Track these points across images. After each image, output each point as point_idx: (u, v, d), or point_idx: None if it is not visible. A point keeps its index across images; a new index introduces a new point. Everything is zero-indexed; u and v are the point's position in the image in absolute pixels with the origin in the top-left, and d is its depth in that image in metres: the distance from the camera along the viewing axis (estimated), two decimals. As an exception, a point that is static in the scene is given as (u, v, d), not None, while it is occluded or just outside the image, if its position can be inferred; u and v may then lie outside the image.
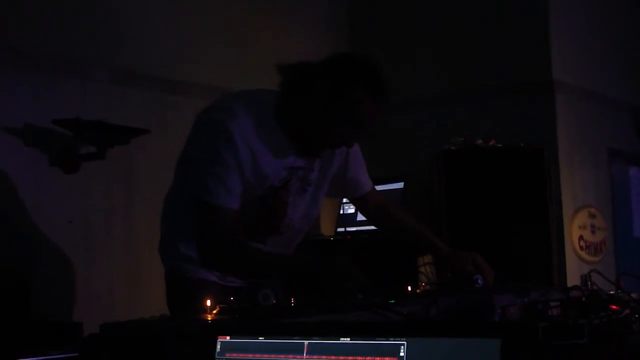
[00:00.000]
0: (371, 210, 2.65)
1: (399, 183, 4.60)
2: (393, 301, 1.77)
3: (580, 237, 4.97)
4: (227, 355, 1.19)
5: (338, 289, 1.97)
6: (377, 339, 1.05)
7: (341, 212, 4.76)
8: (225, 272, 2.27)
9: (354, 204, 2.74)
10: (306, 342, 1.11)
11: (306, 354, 1.10)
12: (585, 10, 5.35)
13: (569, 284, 3.54)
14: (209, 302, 1.74)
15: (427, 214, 4.38)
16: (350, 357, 1.07)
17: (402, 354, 1.03)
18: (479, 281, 2.24)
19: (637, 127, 5.80)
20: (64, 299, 3.76)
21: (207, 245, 2.16)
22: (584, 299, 1.86)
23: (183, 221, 2.31)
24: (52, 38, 3.82)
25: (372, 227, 2.87)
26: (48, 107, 3.72)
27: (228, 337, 1.19)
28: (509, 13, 4.99)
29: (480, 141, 4.42)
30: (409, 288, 2.08)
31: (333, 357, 1.08)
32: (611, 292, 1.97)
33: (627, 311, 1.74)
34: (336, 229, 4.79)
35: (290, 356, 1.12)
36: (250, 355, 1.16)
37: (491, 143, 4.40)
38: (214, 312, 1.71)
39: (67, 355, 1.82)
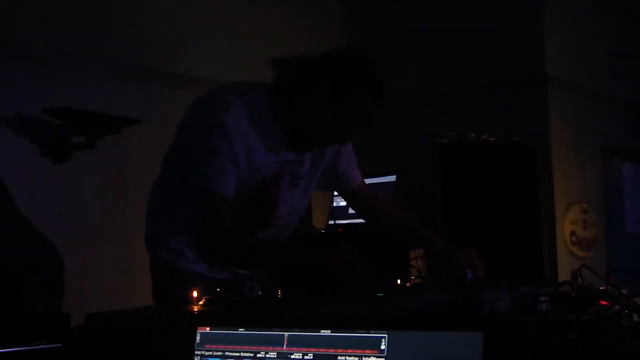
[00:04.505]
0: (361, 204, 2.64)
1: (392, 176, 4.58)
2: (381, 294, 1.76)
3: (572, 233, 4.96)
4: (206, 346, 1.17)
5: (338, 281, 1.95)
6: (358, 331, 1.03)
7: (333, 204, 4.75)
8: (220, 261, 2.25)
9: (344, 198, 2.73)
10: (286, 334, 1.09)
11: (286, 346, 1.08)
12: (580, 5, 5.33)
13: (561, 279, 3.52)
14: (195, 294, 1.73)
15: (419, 208, 4.36)
16: (331, 350, 1.05)
17: (383, 347, 1.01)
18: (468, 275, 2.22)
19: (632, 123, 5.79)
20: (54, 291, 3.73)
21: (206, 233, 2.14)
22: (573, 294, 1.84)
23: (172, 212, 2.29)
24: (48, 30, 3.79)
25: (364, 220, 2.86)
26: (41, 100, 3.69)
27: (208, 329, 1.17)
28: (503, 8, 4.97)
29: (473, 135, 4.39)
30: (399, 281, 2.07)
31: (313, 350, 1.06)
32: (602, 288, 1.95)
33: (617, 307, 1.72)
34: (328, 221, 4.77)
35: (270, 348, 1.10)
36: (230, 346, 1.14)
37: (484, 137, 4.38)
38: (200, 303, 1.69)
39: (52, 345, 1.81)
